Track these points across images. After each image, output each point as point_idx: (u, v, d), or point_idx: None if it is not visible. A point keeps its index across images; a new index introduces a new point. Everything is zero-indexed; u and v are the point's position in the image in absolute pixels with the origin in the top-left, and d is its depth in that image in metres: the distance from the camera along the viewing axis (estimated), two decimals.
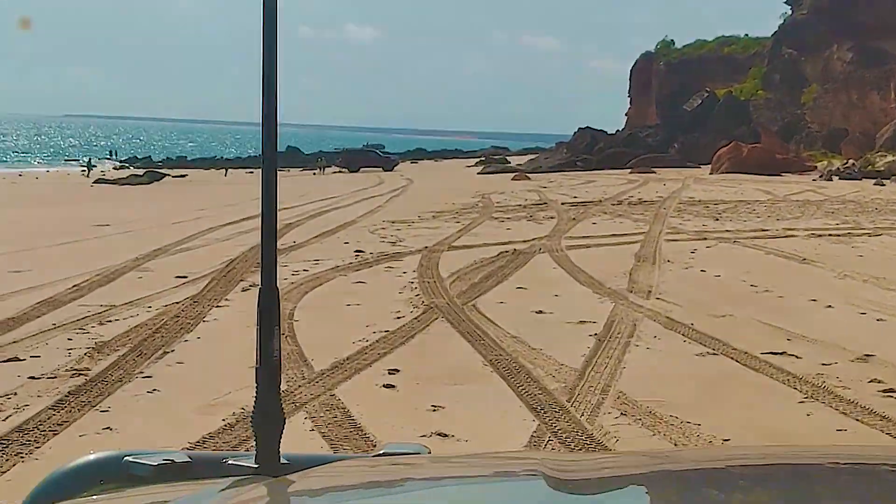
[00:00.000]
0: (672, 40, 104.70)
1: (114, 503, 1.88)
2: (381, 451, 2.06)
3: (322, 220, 29.97)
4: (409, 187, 51.15)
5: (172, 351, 11.49)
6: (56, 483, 1.95)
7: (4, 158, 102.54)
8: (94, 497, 1.89)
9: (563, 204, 36.08)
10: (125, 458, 1.93)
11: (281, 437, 1.90)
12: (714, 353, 11.58)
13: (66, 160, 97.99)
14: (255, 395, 1.89)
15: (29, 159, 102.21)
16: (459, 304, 14.69)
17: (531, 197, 40.74)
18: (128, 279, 17.30)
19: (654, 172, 61.30)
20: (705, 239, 23.99)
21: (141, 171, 69.67)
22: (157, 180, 62.13)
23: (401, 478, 1.86)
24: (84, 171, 73.61)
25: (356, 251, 21.34)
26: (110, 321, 13.20)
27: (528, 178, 57.51)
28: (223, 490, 1.71)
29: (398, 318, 13.60)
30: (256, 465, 1.88)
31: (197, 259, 20.13)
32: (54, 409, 9.04)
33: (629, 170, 63.96)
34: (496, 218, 30.17)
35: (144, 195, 48.21)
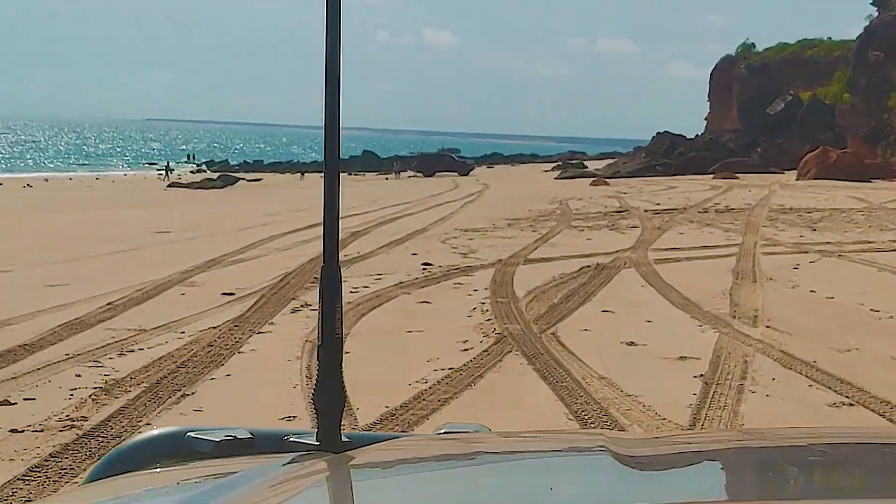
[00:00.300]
0: (753, 43, 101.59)
1: (175, 475, 1.81)
2: (442, 430, 2.07)
3: (391, 227, 27.96)
4: (484, 192, 49.03)
5: (193, 393, 9.45)
6: (120, 457, 1.94)
7: (88, 162, 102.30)
8: (157, 469, 1.86)
9: (645, 211, 33.68)
10: (188, 434, 1.92)
11: (342, 415, 1.86)
12: (850, 404, 9.28)
13: (146, 164, 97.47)
14: (316, 373, 1.86)
15: (112, 163, 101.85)
16: (537, 331, 12.52)
17: (611, 203, 38.36)
18: (169, 296, 15.39)
19: (737, 178, 58.44)
20: (806, 252, 21.49)
21: (215, 175, 68.38)
22: (231, 184, 60.73)
23: (462, 454, 1.84)
24: (161, 174, 72.77)
25: (424, 264, 19.25)
26: (133, 351, 11.23)
27: (607, 184, 55.04)
28: (285, 465, 1.70)
29: (465, 349, 11.46)
30: (318, 443, 1.85)
31: (251, 272, 18.20)
32: (24, 481, 7.04)
33: (711, 175, 61.19)
34: (575, 227, 27.91)
35: (215, 200, 46.67)
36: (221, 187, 58.75)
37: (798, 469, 1.67)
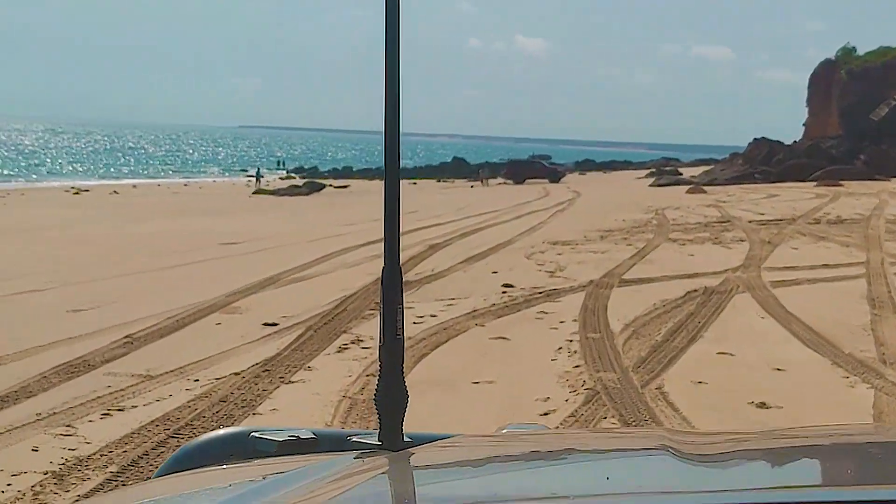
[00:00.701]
0: (854, 47, 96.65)
1: (240, 471, 1.83)
2: (503, 430, 2.07)
3: (474, 239, 25.27)
4: (575, 200, 46.08)
5: None
6: (186, 455, 1.97)
7: (183, 168, 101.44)
8: (223, 466, 1.88)
9: (749, 222, 30.46)
10: (252, 434, 1.93)
11: (404, 415, 1.83)
12: None
13: (237, 170, 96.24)
14: (378, 373, 1.84)
15: (206, 169, 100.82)
16: (638, 384, 9.72)
17: (711, 213, 35.17)
18: (202, 326, 12.90)
19: (841, 185, 54.54)
20: None
21: (301, 182, 66.37)
22: (317, 191, 58.57)
23: (522, 452, 1.82)
24: (249, 180, 71.19)
25: (504, 286, 16.53)
26: (122, 409, 8.71)
27: (704, 191, 51.65)
28: (346, 462, 1.71)
29: (545, 412, 8.72)
30: (380, 442, 1.83)
31: (306, 293, 15.68)
32: None
33: (813, 182, 57.33)
34: (674, 240, 24.91)
35: (298, 207, 44.41)
36: (307, 194, 56.63)
37: (862, 461, 1.65)
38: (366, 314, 13.69)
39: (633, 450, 1.85)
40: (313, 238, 25.86)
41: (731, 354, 11.21)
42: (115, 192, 55.63)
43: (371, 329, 12.65)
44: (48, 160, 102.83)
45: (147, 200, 47.58)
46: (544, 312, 14.04)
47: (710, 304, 14.56)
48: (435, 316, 13.54)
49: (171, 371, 10.14)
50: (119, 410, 8.64)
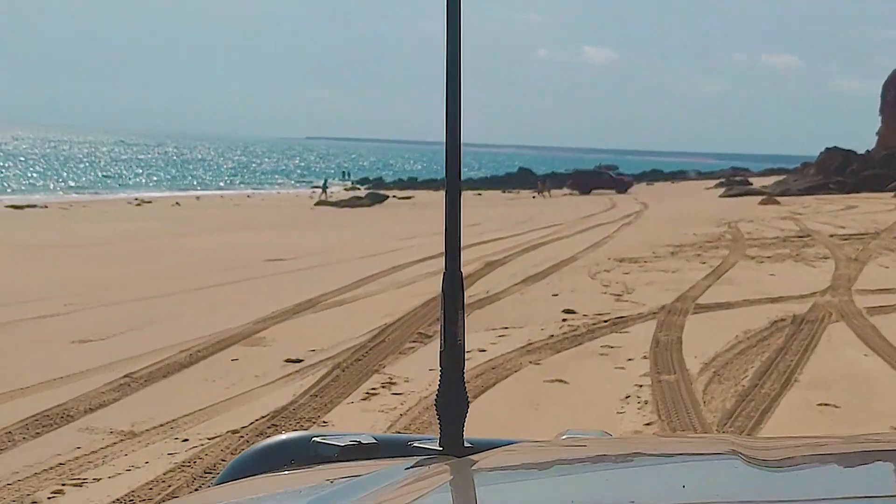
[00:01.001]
0: None
1: (303, 477, 1.79)
2: (564, 436, 2.02)
3: (535, 256, 23.32)
4: (642, 212, 43.87)
5: None
6: (248, 460, 1.94)
7: (252, 179, 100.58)
8: (285, 472, 1.85)
9: (830, 237, 28.09)
10: (313, 439, 1.91)
11: (465, 421, 1.79)
12: None
13: (302, 182, 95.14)
14: (439, 378, 1.79)
15: (273, 180, 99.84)
16: None
17: (787, 226, 32.80)
18: (217, 362, 11.13)
19: None
20: None
21: (364, 193, 64.82)
22: (379, 202, 56.93)
23: (585, 457, 1.74)
24: (314, 192, 70.00)
25: (565, 312, 14.60)
26: (80, 484, 6.90)
27: (777, 203, 49.13)
28: (408, 468, 1.67)
29: None
30: (440, 448, 1.80)
31: (344, 321, 13.87)
32: None
33: (890, 193, 54.50)
34: (752, 256, 22.72)
35: (358, 219, 42.74)
36: (369, 205, 55.05)
37: None
38: (405, 348, 11.84)
39: (701, 455, 1.71)
40: (366, 254, 24.09)
41: (836, 406, 9.15)
42: (177, 203, 54.51)
43: (409, 367, 10.80)
44: (119, 172, 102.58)
45: (206, 213, 46.25)
46: (609, 346, 12.08)
47: (801, 337, 12.48)
48: (484, 351, 11.65)
49: (160, 426, 8.36)
50: (76, 485, 6.85)
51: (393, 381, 10.13)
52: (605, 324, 13.63)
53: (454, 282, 1.85)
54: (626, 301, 15.89)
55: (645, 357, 11.35)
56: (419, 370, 10.54)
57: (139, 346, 11.80)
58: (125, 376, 10.22)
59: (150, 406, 9.09)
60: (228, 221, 38.90)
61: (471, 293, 16.79)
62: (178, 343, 11.97)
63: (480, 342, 12.14)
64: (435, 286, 15.55)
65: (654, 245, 25.44)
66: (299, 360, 11.08)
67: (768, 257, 22.49)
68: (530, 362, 11.13)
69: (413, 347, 11.92)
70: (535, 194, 65.93)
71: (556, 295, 16.60)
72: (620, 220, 37.48)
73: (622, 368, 10.80)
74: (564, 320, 13.98)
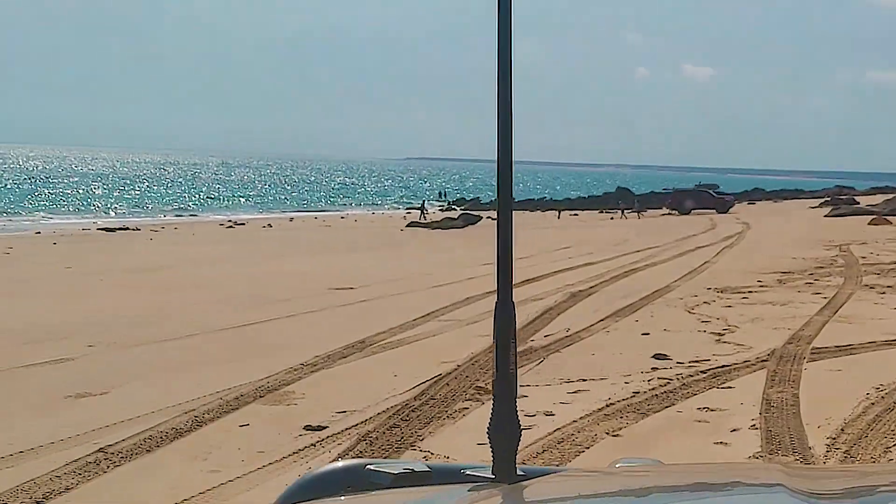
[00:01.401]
0: None
1: (359, 502, 1.83)
2: (617, 464, 2.05)
3: (625, 285, 20.74)
4: (744, 233, 40.78)
5: None
6: (305, 487, 1.92)
7: (354, 200, 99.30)
8: (340, 499, 1.86)
9: None
10: (367, 467, 1.92)
11: (517, 449, 1.80)
12: None
13: (402, 202, 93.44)
14: (492, 407, 1.80)
15: (371, 201, 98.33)
16: None
17: None
18: (219, 430, 8.89)
19: None
20: None
21: (456, 214, 62.60)
22: (472, 223, 54.56)
23: (637, 487, 1.75)
24: (408, 212, 68.29)
25: (655, 357, 12.09)
26: None
27: (890, 223, 45.48)
28: (460, 495, 1.69)
29: None
30: (493, 476, 1.81)
31: (391, 368, 11.57)
32: None
33: None
34: (870, 286, 19.79)
35: (445, 242, 40.48)
36: (462, 227, 52.77)
37: None
38: (456, 410, 9.47)
39: (748, 486, 1.70)
40: (441, 282, 21.79)
41: None
42: (268, 225, 53.01)
43: (454, 440, 8.44)
44: (222, 194, 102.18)
45: (294, 235, 44.50)
46: (708, 409, 9.53)
47: None
48: (552, 415, 9.23)
49: None
50: None
51: (429, 456, 7.77)
52: (704, 375, 11.07)
53: (506, 311, 1.83)
54: (729, 342, 13.31)
55: (754, 426, 8.80)
56: (466, 445, 8.15)
57: (136, 404, 9.65)
58: (99, 451, 8.05)
59: (110, 497, 6.88)
60: (312, 245, 36.96)
61: (549, 331, 14.42)
62: (187, 400, 9.80)
63: (550, 401, 9.73)
64: None
65: (758, 272, 22.66)
66: (321, 428, 8.79)
67: (890, 287, 19.57)
68: (607, 433, 8.66)
69: (466, 409, 9.56)
70: (615, 215, 63.33)
71: (647, 334, 14.09)
72: (721, 243, 34.55)
73: (725, 444, 8.27)
74: (654, 369, 11.48)
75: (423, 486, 1.80)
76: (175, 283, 21.36)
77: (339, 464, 1.98)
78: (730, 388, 10.47)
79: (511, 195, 1.84)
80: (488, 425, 1.80)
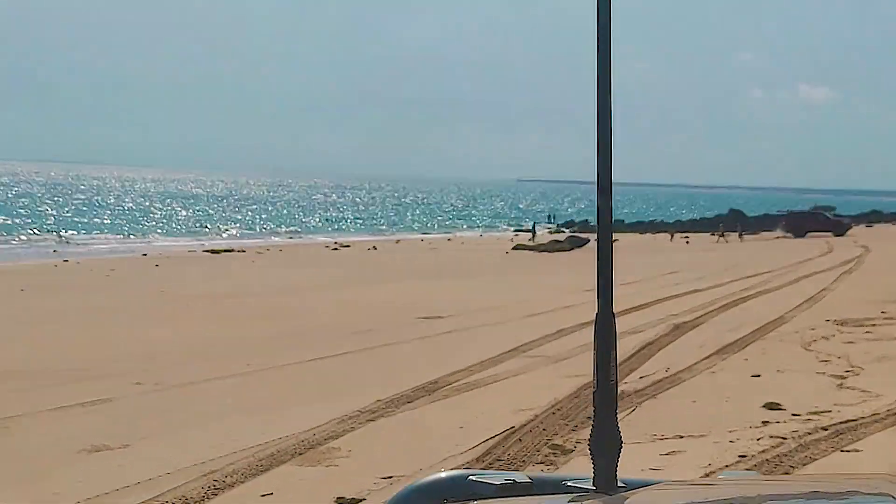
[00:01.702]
0: None
1: None
2: (721, 475, 2.02)
3: (734, 315, 18.73)
4: (864, 258, 38.04)
5: None
6: (408, 496, 1.90)
7: (465, 222, 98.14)
8: None
9: None
10: (469, 478, 1.88)
11: (618, 460, 1.76)
12: None
13: (510, 224, 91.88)
14: (592, 419, 1.79)
15: (479, 223, 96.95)
16: None
17: None
18: (235, 502, 7.37)
19: None
20: None
21: (563, 237, 60.65)
22: (579, 246, 52.51)
23: (737, 497, 1.67)
24: (515, 234, 66.77)
25: (766, 407, 10.21)
26: None
27: None
28: None
29: None
30: (594, 487, 1.77)
31: (459, 418, 9.93)
32: None
33: None
34: None
35: (550, 265, 38.69)
36: (568, 249, 50.84)
37: None
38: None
39: (854, 497, 1.63)
40: (536, 311, 20.08)
41: None
42: (373, 247, 51.87)
43: None
44: (332, 215, 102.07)
45: (397, 258, 43.19)
46: None
47: None
48: None
49: None
50: None
51: None
52: (824, 433, 9.16)
53: (606, 323, 1.82)
54: (853, 388, 11.33)
55: None
56: None
57: (152, 462, 8.21)
58: None
59: None
60: (411, 268, 35.54)
61: (646, 370, 12.62)
62: (212, 458, 8.32)
63: (637, 466, 7.95)
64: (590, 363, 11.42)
65: (882, 301, 20.40)
66: (355, 502, 7.18)
67: None
68: None
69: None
70: (717, 238, 60.61)
71: (758, 376, 12.19)
72: (839, 268, 32.02)
73: None
74: (765, 423, 9.62)
75: (524, 496, 1.78)
76: (249, 312, 20.10)
77: (444, 474, 1.95)
78: (857, 451, 8.55)
79: (611, 209, 1.86)
80: (589, 437, 1.79)
